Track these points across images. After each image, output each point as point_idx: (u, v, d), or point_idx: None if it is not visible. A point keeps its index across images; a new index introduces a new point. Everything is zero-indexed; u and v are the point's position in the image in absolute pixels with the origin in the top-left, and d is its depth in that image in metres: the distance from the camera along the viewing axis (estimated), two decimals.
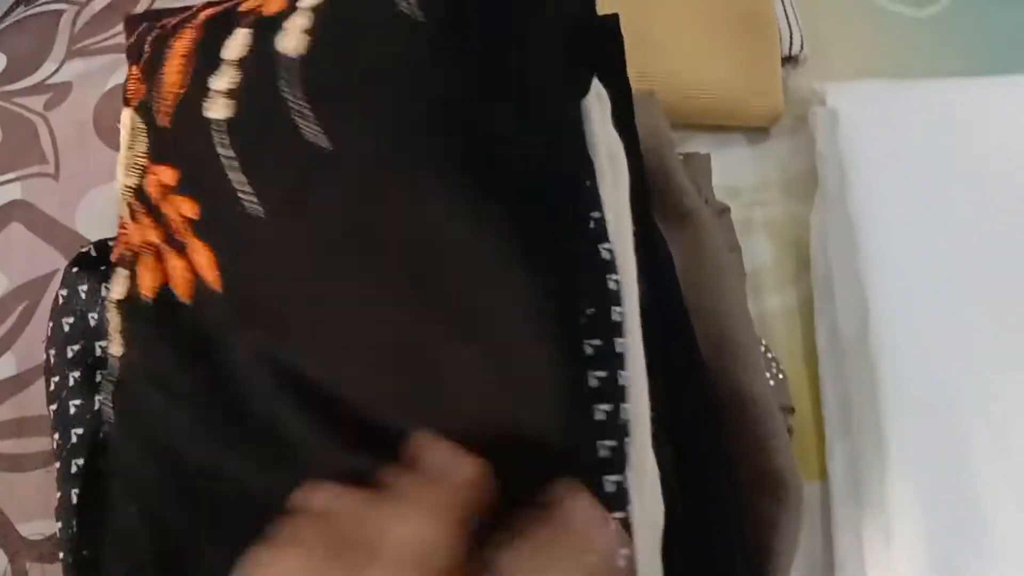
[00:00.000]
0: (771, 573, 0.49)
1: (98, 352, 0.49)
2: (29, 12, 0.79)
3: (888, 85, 0.66)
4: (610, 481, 0.38)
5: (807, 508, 0.54)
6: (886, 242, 0.58)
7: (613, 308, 0.41)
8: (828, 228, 0.62)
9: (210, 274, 0.42)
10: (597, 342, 0.40)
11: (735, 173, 0.68)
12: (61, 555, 0.46)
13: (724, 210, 0.62)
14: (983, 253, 0.58)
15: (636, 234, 0.45)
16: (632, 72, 0.63)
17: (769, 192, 0.68)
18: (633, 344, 0.41)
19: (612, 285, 0.41)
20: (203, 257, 0.42)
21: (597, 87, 0.45)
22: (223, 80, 0.43)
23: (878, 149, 0.61)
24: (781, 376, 0.57)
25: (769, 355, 0.57)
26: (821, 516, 0.56)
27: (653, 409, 0.42)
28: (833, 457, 0.56)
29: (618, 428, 0.39)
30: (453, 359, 0.38)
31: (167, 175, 0.44)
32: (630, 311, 0.41)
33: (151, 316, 0.43)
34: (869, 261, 0.57)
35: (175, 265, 0.43)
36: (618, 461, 0.39)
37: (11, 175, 0.71)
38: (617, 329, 0.40)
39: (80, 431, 0.47)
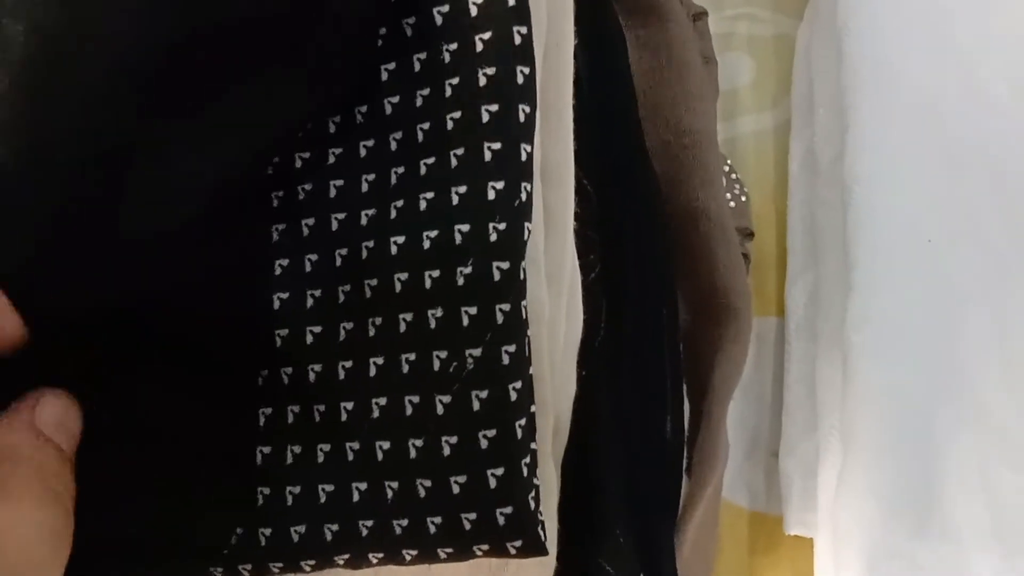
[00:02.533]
0: (709, 402, 0.44)
1: None
2: None
3: None
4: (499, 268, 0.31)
5: (761, 344, 0.50)
6: (872, 59, 0.51)
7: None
8: (815, 43, 0.55)
9: None
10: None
11: None
12: None
13: (700, 14, 0.55)
14: (976, 77, 0.51)
15: (578, 6, 0.38)
16: None
17: (756, 6, 0.61)
18: (560, 117, 0.35)
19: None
20: None
21: None
22: None
23: None
24: (744, 198, 0.51)
25: (733, 175, 0.51)
26: (774, 354, 0.51)
27: (579, 204, 0.36)
28: (794, 289, 0.51)
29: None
30: None
31: None
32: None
33: None
34: (853, 78, 0.50)
35: None
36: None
37: None
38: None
39: None
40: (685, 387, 0.44)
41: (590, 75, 0.40)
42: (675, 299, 0.43)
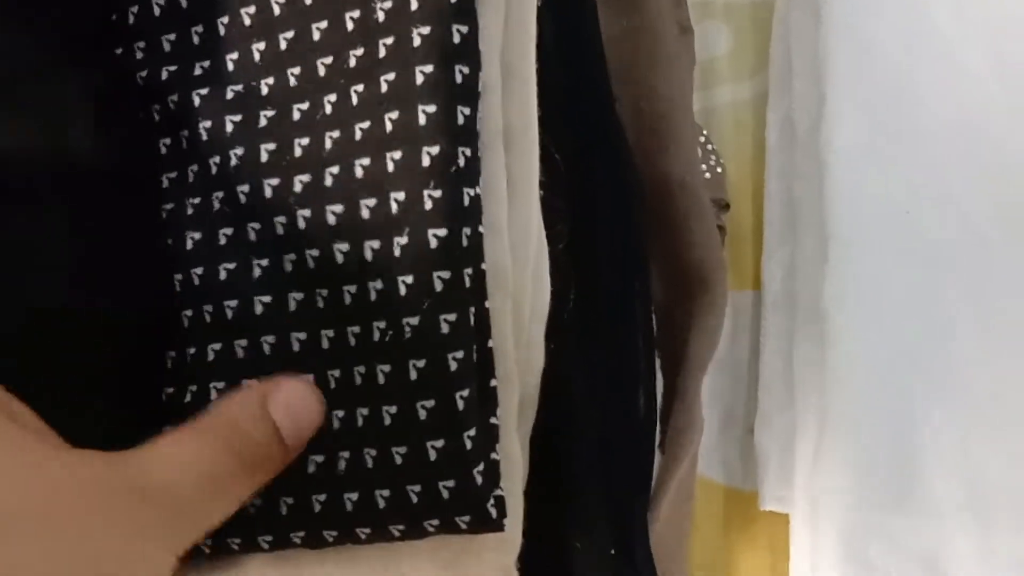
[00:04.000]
0: (683, 376, 0.42)
1: None
2: None
3: None
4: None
5: (736, 318, 0.48)
6: (851, 26, 0.49)
7: None
8: (793, 11, 0.53)
9: None
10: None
11: None
12: None
13: None
14: (954, 48, 0.49)
15: None
16: None
17: None
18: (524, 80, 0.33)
19: None
20: None
21: None
22: None
23: None
24: (719, 170, 0.49)
25: (709, 146, 0.50)
26: (750, 328, 0.50)
27: (545, 173, 0.34)
28: (770, 262, 0.50)
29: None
30: None
31: None
32: None
33: None
34: (830, 48, 0.49)
35: None
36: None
37: None
38: None
39: None
40: (658, 361, 0.42)
41: (556, 37, 0.38)
42: (648, 271, 0.42)
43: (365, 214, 0.28)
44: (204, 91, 0.31)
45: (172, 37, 0.31)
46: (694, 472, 0.45)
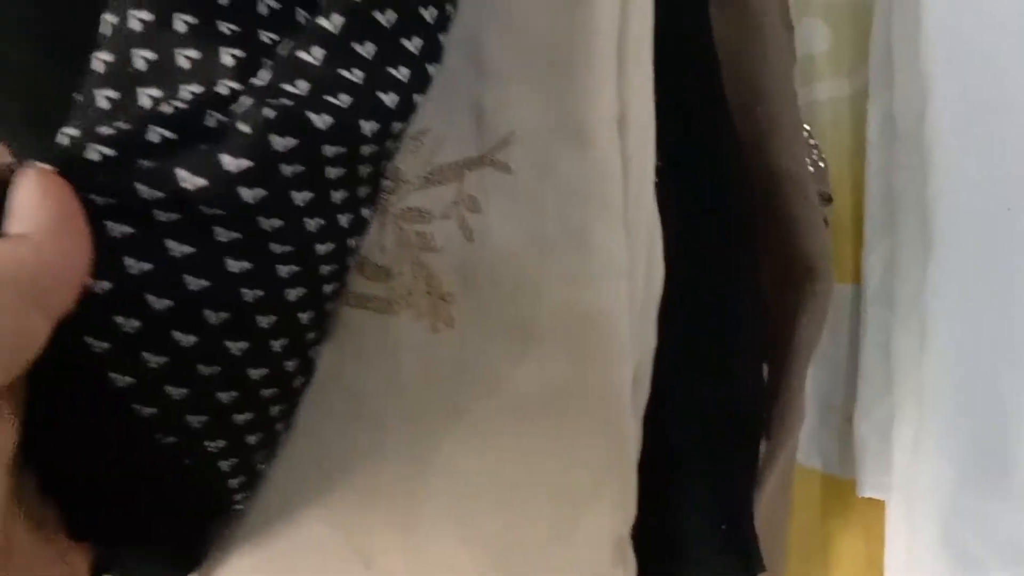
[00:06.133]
0: (788, 364, 0.42)
1: None
2: None
3: None
4: None
5: (836, 311, 0.48)
6: (954, 24, 0.48)
7: None
8: (893, 7, 0.53)
9: None
10: None
11: None
12: None
13: None
14: None
15: None
16: None
17: None
18: (639, 63, 0.33)
19: None
20: None
21: None
22: None
23: None
24: (822, 164, 0.49)
25: (811, 141, 0.50)
26: (850, 321, 0.49)
27: (661, 158, 0.35)
28: (871, 256, 0.49)
29: None
30: None
31: None
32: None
33: None
34: (933, 43, 0.48)
35: None
36: None
37: None
38: None
39: None
40: (765, 347, 0.43)
41: (672, 31, 0.38)
42: (757, 260, 0.42)
43: None
44: None
45: None
46: (794, 459, 0.46)
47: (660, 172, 0.35)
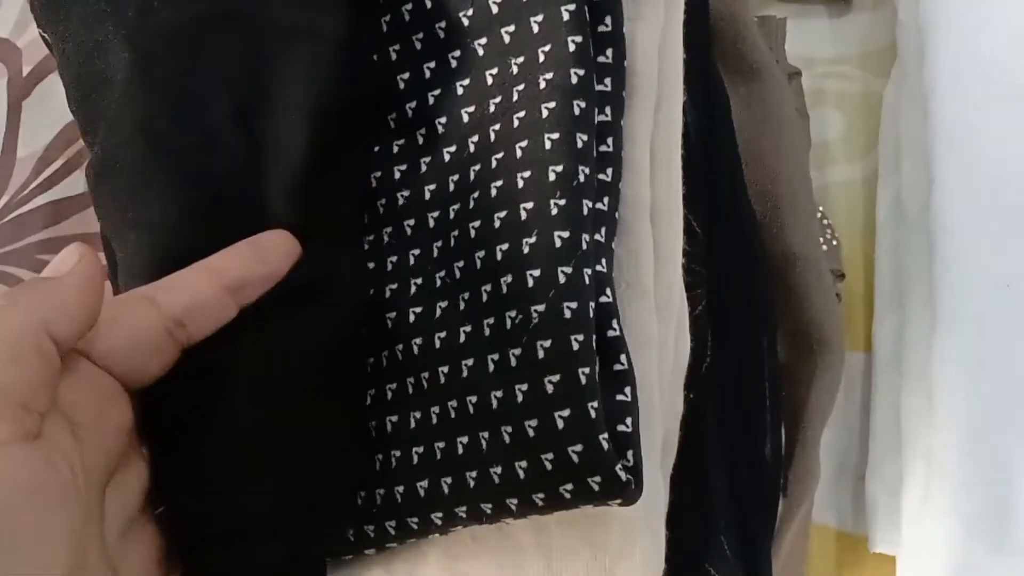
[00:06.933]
0: (804, 427, 0.46)
1: None
2: None
3: None
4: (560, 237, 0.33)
5: (849, 377, 0.51)
6: (958, 117, 0.52)
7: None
8: (902, 101, 0.56)
9: None
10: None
11: (812, 44, 0.63)
12: None
13: (795, 73, 0.57)
14: None
15: (688, 67, 0.40)
16: None
17: (845, 65, 0.63)
18: (669, 163, 0.37)
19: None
20: None
21: None
22: None
23: (961, 21, 0.55)
24: (835, 243, 0.53)
25: (825, 222, 0.53)
26: (862, 386, 0.53)
27: (687, 243, 0.39)
28: (882, 327, 0.52)
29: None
30: None
31: None
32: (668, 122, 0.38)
33: None
34: (939, 135, 0.51)
35: None
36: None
37: None
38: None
39: None
40: (782, 413, 0.46)
41: (698, 128, 0.42)
42: (775, 332, 0.45)
43: (497, 224, 0.32)
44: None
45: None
46: (810, 516, 0.48)
47: (686, 254, 0.39)
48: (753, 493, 0.42)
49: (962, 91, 0.53)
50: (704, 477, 0.40)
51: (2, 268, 0.56)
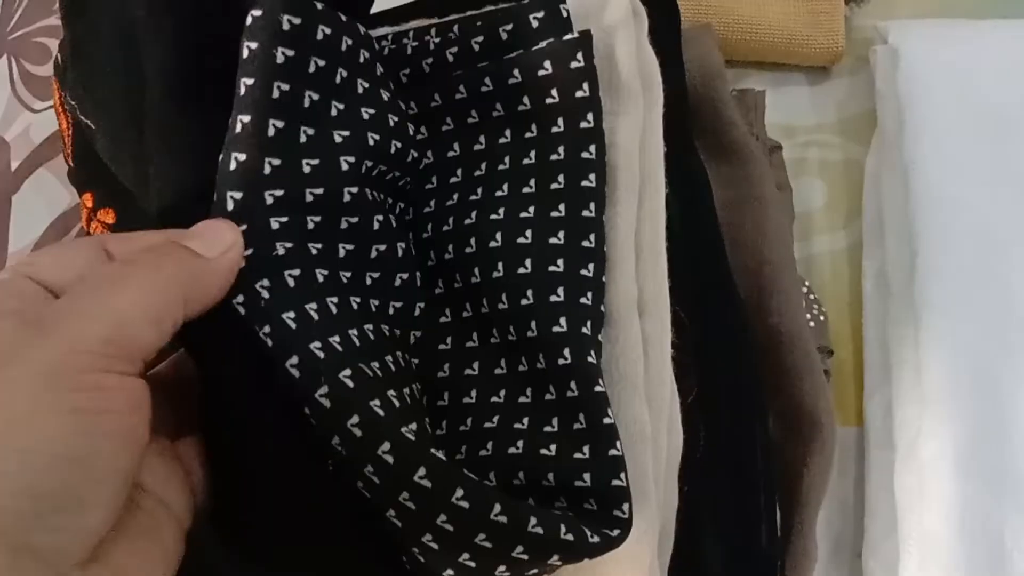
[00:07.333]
0: (799, 513, 0.45)
1: None
2: None
3: (954, 25, 0.60)
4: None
5: (842, 451, 0.51)
6: (939, 190, 0.53)
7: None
8: (883, 171, 0.57)
9: None
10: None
11: (792, 112, 0.64)
12: None
13: (775, 148, 0.58)
14: None
15: (670, 156, 0.41)
16: (689, 6, 0.60)
17: (825, 133, 0.63)
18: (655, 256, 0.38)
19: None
20: None
21: (634, 3, 0.41)
22: None
23: (939, 91, 0.56)
24: (822, 318, 0.53)
25: (811, 296, 0.53)
26: (855, 460, 0.52)
27: (675, 334, 0.39)
28: (872, 401, 0.52)
29: None
30: None
31: (88, 200, 0.46)
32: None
33: None
34: (921, 208, 0.52)
35: None
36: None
37: None
38: None
39: None
40: (777, 497, 0.46)
41: (681, 215, 0.42)
42: (766, 417, 0.45)
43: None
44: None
45: None
46: None
47: (674, 345, 0.39)
48: None
49: (942, 163, 0.53)
50: (701, 567, 0.40)
51: None
